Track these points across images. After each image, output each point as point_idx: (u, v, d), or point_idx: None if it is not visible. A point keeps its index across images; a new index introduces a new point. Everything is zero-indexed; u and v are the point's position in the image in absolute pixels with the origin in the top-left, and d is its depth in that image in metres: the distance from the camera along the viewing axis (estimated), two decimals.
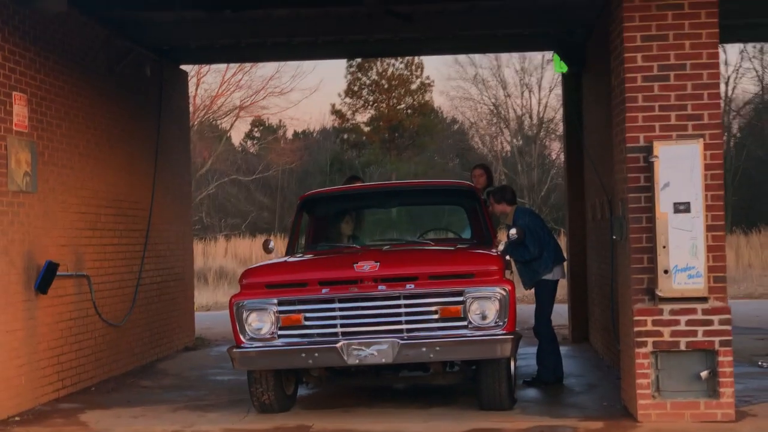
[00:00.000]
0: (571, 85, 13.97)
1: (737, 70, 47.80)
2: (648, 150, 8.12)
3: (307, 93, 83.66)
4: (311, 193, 11.21)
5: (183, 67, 15.15)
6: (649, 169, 8.11)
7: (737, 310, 17.25)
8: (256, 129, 52.78)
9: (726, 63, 47.60)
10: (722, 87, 46.73)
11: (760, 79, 48.34)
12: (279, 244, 10.41)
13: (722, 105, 45.68)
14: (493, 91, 47.63)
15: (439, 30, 12.82)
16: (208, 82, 51.78)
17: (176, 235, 14.04)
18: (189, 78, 15.58)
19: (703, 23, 8.19)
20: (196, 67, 33.36)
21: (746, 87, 72.51)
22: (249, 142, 53.29)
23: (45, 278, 9.54)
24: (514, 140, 47.91)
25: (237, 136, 51.51)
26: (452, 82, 76.07)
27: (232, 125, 44.90)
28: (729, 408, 7.99)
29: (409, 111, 52.01)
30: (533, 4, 11.97)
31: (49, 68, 10.03)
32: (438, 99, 65.91)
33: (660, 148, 8.06)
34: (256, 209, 47.75)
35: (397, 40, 13.82)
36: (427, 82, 52.45)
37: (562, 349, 11.32)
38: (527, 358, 11.16)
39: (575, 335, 14.02)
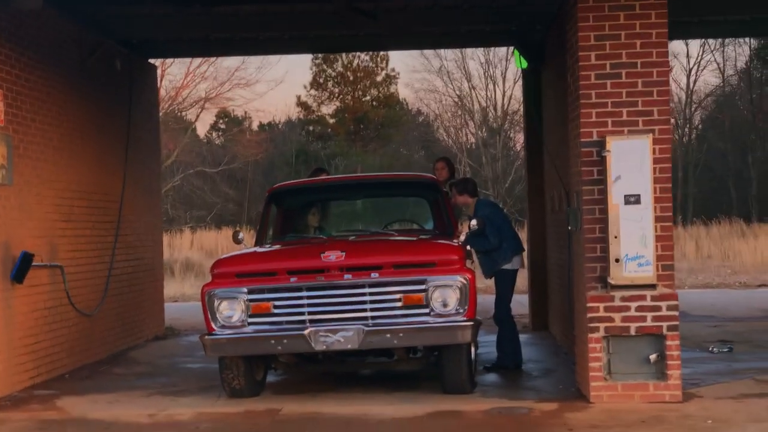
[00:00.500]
0: (531, 80, 14.37)
1: (699, 62, 48.62)
2: (601, 144, 8.54)
3: (273, 85, 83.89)
4: (279, 185, 11.57)
5: (152, 60, 15.42)
6: (602, 162, 8.53)
7: (695, 299, 18.01)
8: (221, 120, 52.94)
9: (688, 56, 48.43)
10: (683, 79, 47.57)
11: (721, 71, 49.19)
12: (246, 235, 10.77)
13: (684, 98, 46.39)
14: (457, 83, 48.09)
15: (403, 26, 13.17)
16: (173, 74, 51.78)
17: (146, 227, 14.32)
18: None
19: (653, 23, 8.61)
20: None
21: (708, 79, 73.61)
22: (214, 134, 53.45)
23: (21, 268, 9.82)
24: (479, 132, 48.36)
25: (202, 128, 51.62)
26: (417, 74, 76.60)
27: (197, 117, 44.99)
28: (676, 389, 8.45)
29: (374, 103, 52.41)
30: (494, 1, 12.33)
31: (24, 64, 10.29)
32: (403, 91, 66.18)
33: (612, 143, 8.48)
34: (222, 201, 47.86)
35: (362, 36, 14.19)
36: (392, 74, 52.93)
37: (523, 337, 11.77)
38: (488, 345, 11.56)
39: (535, 323, 14.47)
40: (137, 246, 13.86)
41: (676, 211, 44.58)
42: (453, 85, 48.14)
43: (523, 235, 14.89)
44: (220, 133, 52.88)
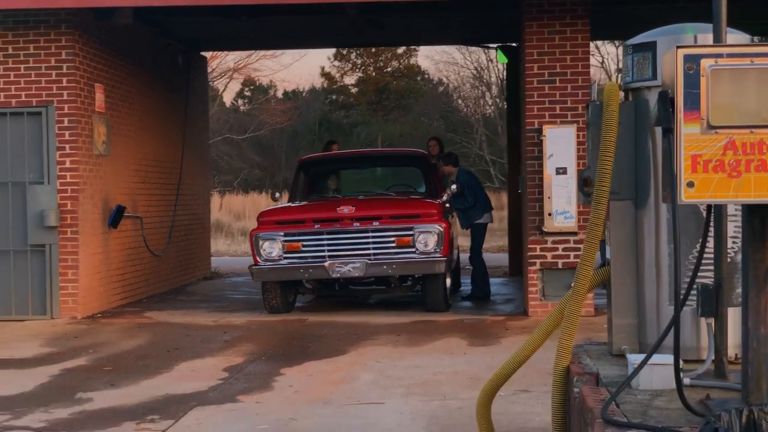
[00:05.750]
0: (511, 74, 17.57)
1: None
2: (540, 131, 11.81)
3: (298, 56, 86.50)
4: (307, 157, 15.00)
5: (203, 53, 18.74)
6: (540, 144, 11.80)
7: None
8: (246, 89, 55.67)
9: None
10: None
11: None
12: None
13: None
14: (475, 55, 50.77)
15: (405, 32, 16.39)
16: None
17: (199, 188, 17.74)
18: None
19: (579, 44, 11.86)
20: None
21: None
22: (240, 101, 56.18)
23: (116, 217, 13.21)
24: (497, 102, 51.10)
25: (228, 96, 54.19)
26: (437, 46, 78.93)
27: (225, 86, 47.64)
28: (590, 307, 11.70)
29: (395, 74, 54.98)
30: (480, 12, 15.46)
31: (116, 64, 13.65)
32: (423, 62, 68.73)
33: (548, 130, 11.75)
34: (248, 167, 50.59)
35: (372, 36, 17.42)
36: (412, 46, 55.57)
37: (500, 280, 15.10)
38: (467, 284, 14.88)
39: (512, 270, 17.74)
40: (192, 204, 17.26)
41: None
42: (471, 58, 50.80)
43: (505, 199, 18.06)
44: (245, 101, 55.53)
